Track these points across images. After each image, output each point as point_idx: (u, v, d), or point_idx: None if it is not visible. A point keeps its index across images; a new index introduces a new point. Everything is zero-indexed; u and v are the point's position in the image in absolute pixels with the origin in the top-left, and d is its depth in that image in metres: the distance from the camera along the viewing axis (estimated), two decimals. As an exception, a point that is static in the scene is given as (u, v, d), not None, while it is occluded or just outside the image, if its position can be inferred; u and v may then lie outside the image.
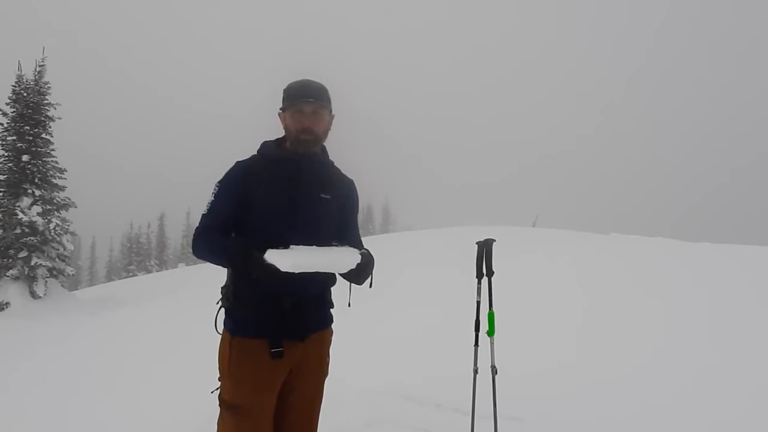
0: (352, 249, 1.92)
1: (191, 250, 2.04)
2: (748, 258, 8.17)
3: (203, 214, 2.02)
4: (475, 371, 3.08)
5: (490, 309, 3.06)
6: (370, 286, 2.11)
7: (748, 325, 5.08)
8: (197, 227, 2.02)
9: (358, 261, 1.88)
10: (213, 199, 2.01)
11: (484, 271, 3.07)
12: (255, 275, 1.80)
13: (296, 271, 1.75)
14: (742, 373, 4.08)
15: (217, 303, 2.06)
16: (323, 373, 2.15)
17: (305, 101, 1.99)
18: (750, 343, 4.67)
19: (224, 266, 1.99)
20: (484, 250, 3.06)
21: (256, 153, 2.09)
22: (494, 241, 3.09)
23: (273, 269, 1.77)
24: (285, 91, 2.06)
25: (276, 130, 2.14)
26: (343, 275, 2.02)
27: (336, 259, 1.86)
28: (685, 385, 3.95)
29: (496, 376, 3.01)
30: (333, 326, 2.21)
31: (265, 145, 2.10)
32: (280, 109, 2.08)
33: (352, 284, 2.11)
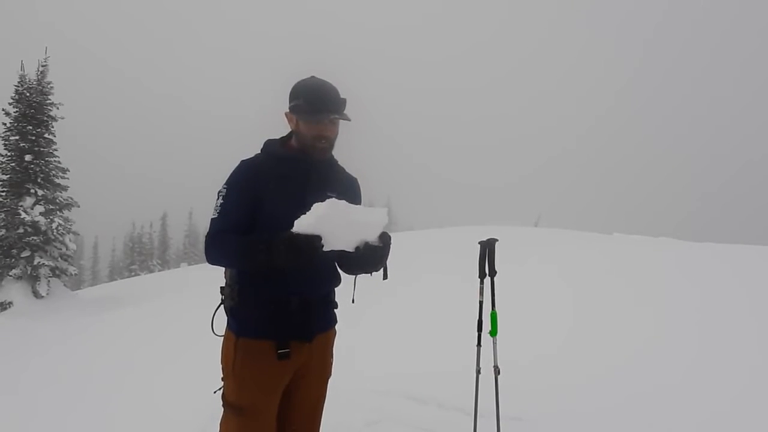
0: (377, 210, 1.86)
1: (205, 258, 1.95)
2: (746, 258, 8.17)
3: (213, 219, 1.94)
4: (478, 371, 3.07)
5: (492, 309, 3.05)
6: (385, 277, 2.04)
7: (737, 325, 5.14)
8: (208, 233, 1.95)
9: (387, 217, 1.83)
10: (222, 201, 1.94)
11: (487, 270, 3.06)
12: (282, 258, 1.72)
13: (332, 211, 1.70)
14: (727, 369, 4.15)
15: (219, 305, 2.05)
16: (327, 373, 2.15)
17: (328, 116, 1.93)
18: (737, 341, 4.73)
19: (242, 266, 1.92)
20: (487, 249, 3.05)
21: (260, 152, 2.06)
22: (497, 240, 3.08)
23: (303, 240, 1.70)
24: (300, 95, 1.95)
25: (280, 130, 2.12)
26: (356, 265, 1.95)
27: (367, 212, 1.80)
28: (677, 378, 3.97)
29: (499, 376, 3.00)
30: (336, 326, 2.21)
31: (270, 144, 2.06)
32: (291, 111, 1.99)
33: (357, 278, 2.08)
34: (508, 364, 3.41)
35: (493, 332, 3.03)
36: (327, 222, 1.72)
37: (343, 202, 1.77)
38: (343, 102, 1.98)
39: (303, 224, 1.72)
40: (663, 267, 7.83)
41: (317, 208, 1.72)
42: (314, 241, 1.71)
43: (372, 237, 1.83)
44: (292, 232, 1.72)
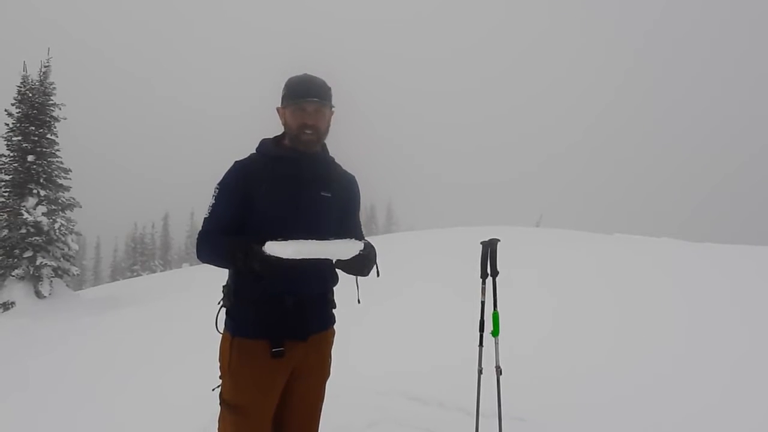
0: (352, 240, 1.90)
1: (195, 254, 2.03)
2: (740, 259, 8.19)
3: (205, 218, 2.00)
4: (480, 371, 3.07)
5: (494, 309, 3.05)
6: (378, 275, 2.09)
7: (725, 324, 5.23)
8: (200, 231, 2.00)
9: (360, 248, 1.86)
10: (214, 201, 1.99)
11: (489, 271, 3.06)
12: (257, 270, 1.78)
13: (298, 258, 1.73)
14: (719, 365, 4.27)
15: (219, 303, 2.06)
16: (325, 374, 2.14)
17: (308, 101, 1.96)
18: (726, 339, 4.82)
19: (227, 267, 1.96)
20: (489, 250, 3.05)
21: (254, 152, 2.07)
22: (498, 241, 3.08)
23: (274, 261, 1.75)
24: (286, 86, 2.02)
25: (279, 129, 2.13)
26: (345, 269, 2.01)
27: (338, 246, 1.83)
28: (675, 375, 3.98)
29: (501, 377, 3.00)
30: (336, 326, 2.20)
31: (264, 144, 2.08)
32: (280, 105, 2.04)
33: (359, 279, 2.10)
34: (510, 364, 3.41)
35: (495, 332, 3.02)
36: (295, 255, 1.75)
37: (312, 242, 1.78)
38: (327, 90, 2.02)
39: (273, 250, 1.76)
40: (661, 268, 7.84)
41: (285, 247, 1.74)
42: (283, 262, 1.76)
43: (342, 257, 1.86)
44: (263, 251, 1.76)
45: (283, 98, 2.02)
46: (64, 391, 5.09)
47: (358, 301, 2.17)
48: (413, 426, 3.49)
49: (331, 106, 2.05)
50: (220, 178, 2.02)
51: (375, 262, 2.02)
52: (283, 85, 2.05)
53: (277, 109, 2.07)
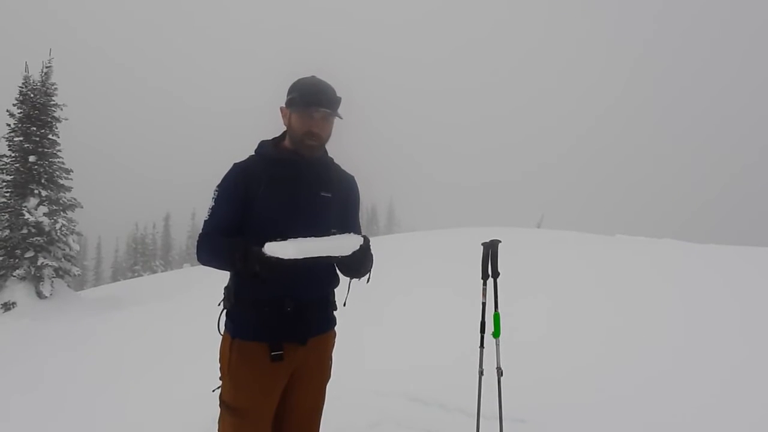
0: (351, 234, 1.89)
1: (195, 256, 2.03)
2: (741, 260, 8.18)
3: (205, 220, 2.00)
4: (481, 372, 3.07)
5: (495, 310, 3.04)
6: (368, 281, 2.09)
7: (722, 325, 5.24)
8: (200, 234, 1.99)
9: (361, 242, 1.85)
10: (213, 204, 1.99)
11: (490, 272, 3.05)
12: (256, 272, 1.76)
13: (300, 257, 1.71)
14: (718, 364, 4.27)
15: (219, 304, 2.06)
16: (325, 376, 2.14)
17: (318, 110, 1.95)
18: (723, 339, 4.84)
19: (227, 269, 1.94)
20: (490, 251, 3.05)
21: (253, 153, 2.07)
22: (500, 242, 3.08)
23: (274, 261, 1.74)
24: (295, 89, 2.00)
25: (280, 128, 2.12)
26: (345, 269, 2.01)
27: (338, 241, 1.82)
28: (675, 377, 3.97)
29: (502, 378, 3.00)
30: (337, 328, 2.20)
31: (263, 145, 2.08)
32: (286, 106, 2.03)
33: (352, 282, 2.11)
34: (511, 365, 3.41)
35: (496, 333, 3.02)
36: (297, 255, 1.75)
37: (311, 239, 1.78)
38: (338, 100, 2.00)
39: (274, 251, 1.75)
40: (661, 269, 7.83)
41: (285, 248, 1.73)
42: (284, 262, 1.75)
43: (344, 252, 1.84)
44: (263, 253, 1.75)
45: (291, 101, 2.00)
46: (71, 394, 5.10)
47: (344, 304, 2.17)
48: (414, 427, 3.48)
49: (338, 116, 2.02)
50: (220, 180, 2.02)
51: (371, 264, 2.02)
52: (289, 86, 2.03)
53: (281, 109, 2.06)
